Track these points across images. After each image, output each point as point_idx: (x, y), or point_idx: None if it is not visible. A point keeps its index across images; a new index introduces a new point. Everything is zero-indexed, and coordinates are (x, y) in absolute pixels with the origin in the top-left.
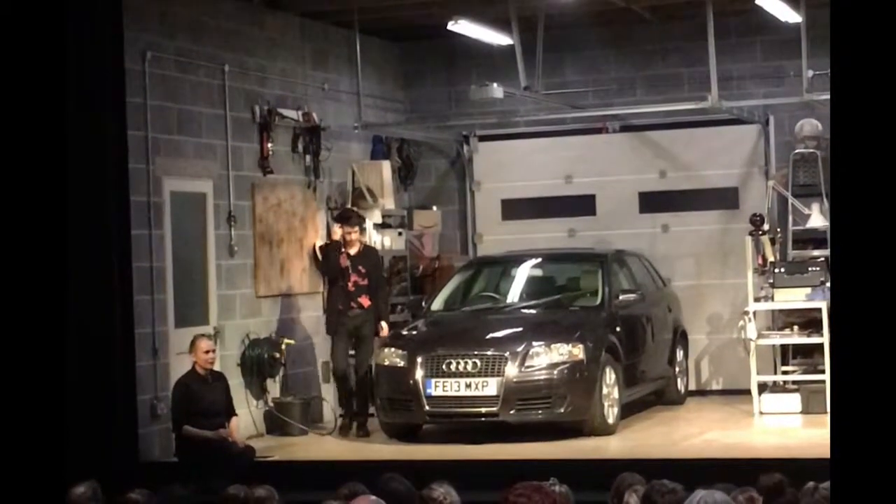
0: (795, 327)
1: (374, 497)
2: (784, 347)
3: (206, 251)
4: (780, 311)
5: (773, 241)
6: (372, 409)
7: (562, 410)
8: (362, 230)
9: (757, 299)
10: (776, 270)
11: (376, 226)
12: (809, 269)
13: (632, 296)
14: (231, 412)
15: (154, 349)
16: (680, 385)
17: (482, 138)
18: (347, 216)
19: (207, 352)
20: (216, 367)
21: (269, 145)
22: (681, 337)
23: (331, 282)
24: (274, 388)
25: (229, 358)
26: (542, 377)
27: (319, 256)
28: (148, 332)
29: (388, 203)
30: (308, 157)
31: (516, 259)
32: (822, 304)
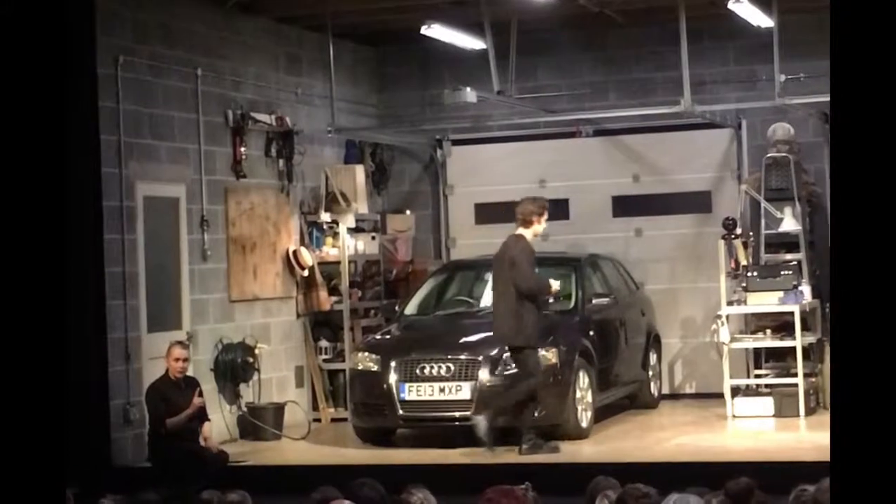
0: (768, 331)
1: (347, 501)
2: (757, 351)
3: (179, 256)
4: (753, 314)
5: (745, 245)
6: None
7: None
8: None
9: (730, 303)
10: (749, 274)
11: (350, 230)
12: (782, 272)
13: (605, 300)
14: (204, 417)
15: (127, 354)
16: (653, 389)
17: (455, 142)
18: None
19: (178, 360)
20: (189, 373)
21: (243, 149)
22: (654, 341)
23: None
24: (247, 392)
25: (202, 363)
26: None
27: (294, 262)
28: (121, 337)
29: (362, 207)
30: (281, 162)
31: (490, 263)
32: (795, 308)
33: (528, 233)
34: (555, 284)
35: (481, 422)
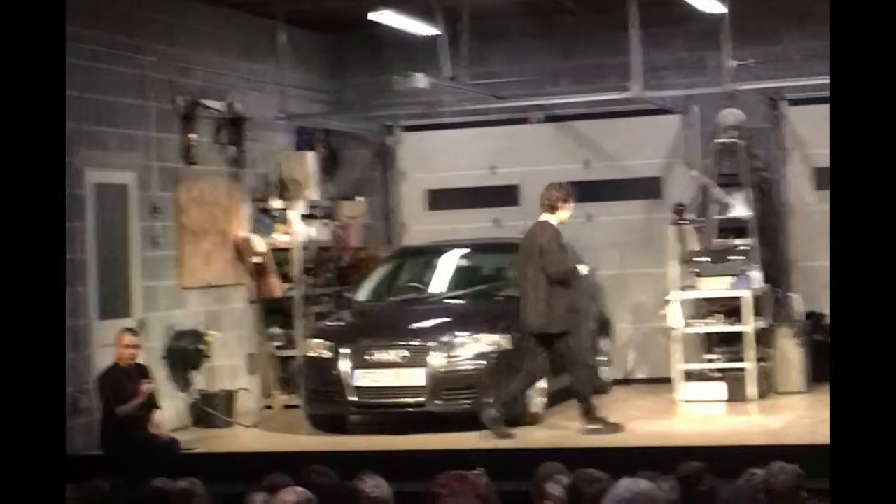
0: (720, 316)
1: (299, 488)
2: (708, 336)
3: (130, 243)
4: (705, 299)
5: (696, 231)
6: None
7: (488, 400)
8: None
9: (681, 288)
10: (700, 259)
11: (301, 217)
12: (733, 258)
13: None
14: (154, 405)
15: (77, 342)
16: (605, 374)
17: (407, 128)
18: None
19: (128, 346)
20: (140, 360)
21: (193, 136)
22: (605, 326)
23: None
24: (199, 380)
25: (154, 350)
26: (469, 367)
27: (245, 249)
28: (71, 325)
29: (313, 194)
30: (232, 148)
31: (441, 249)
32: (746, 293)
33: (553, 219)
34: (582, 270)
35: (490, 411)
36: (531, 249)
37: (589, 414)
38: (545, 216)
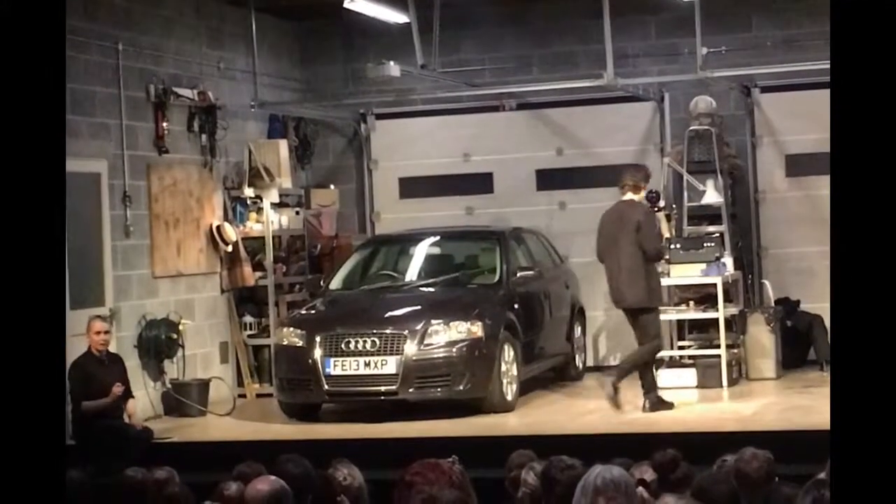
0: (691, 303)
1: (272, 477)
2: (680, 323)
3: (102, 232)
4: (677, 286)
5: (668, 218)
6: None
7: (461, 388)
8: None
9: None
10: (672, 246)
11: (273, 205)
12: (705, 244)
13: (529, 273)
14: (128, 394)
15: None
16: (578, 361)
17: (379, 116)
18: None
19: (99, 332)
20: (112, 349)
21: (165, 125)
22: (578, 313)
23: None
24: (171, 369)
25: (126, 339)
26: (441, 355)
27: (218, 238)
28: None
29: (286, 182)
30: (204, 137)
31: (414, 237)
32: (718, 280)
33: (637, 198)
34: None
35: (609, 384)
36: (625, 227)
37: (653, 390)
38: (630, 195)
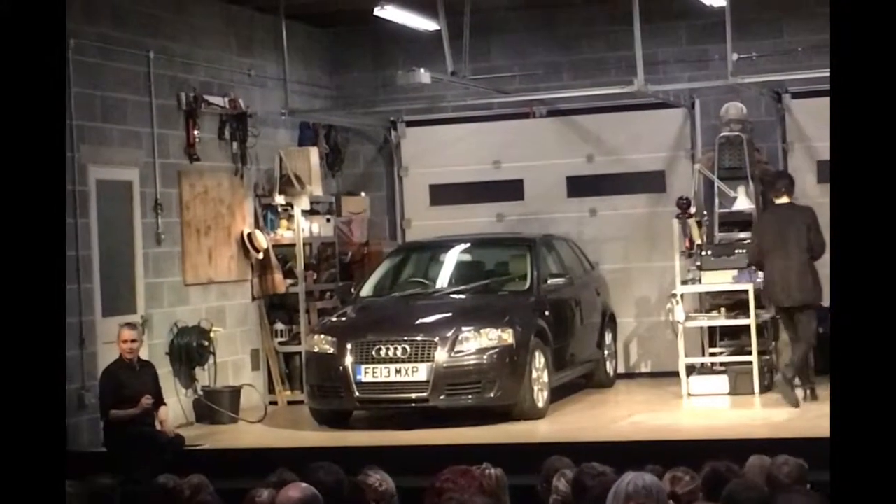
0: (723, 309)
1: (304, 484)
2: (711, 329)
3: (133, 239)
4: (708, 293)
5: (699, 224)
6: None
7: (491, 395)
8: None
9: (685, 282)
10: (703, 253)
11: (304, 212)
12: (736, 251)
13: (560, 280)
14: (160, 401)
15: (81, 338)
16: (609, 368)
17: (410, 124)
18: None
19: (126, 341)
20: (144, 356)
21: (196, 132)
22: (609, 320)
23: None
24: (203, 376)
25: (158, 346)
26: (472, 362)
27: (249, 245)
28: (75, 322)
29: (316, 189)
30: (235, 144)
31: (445, 244)
32: (749, 287)
33: (790, 200)
34: None
35: (781, 382)
36: (796, 228)
37: (812, 381)
38: (785, 199)
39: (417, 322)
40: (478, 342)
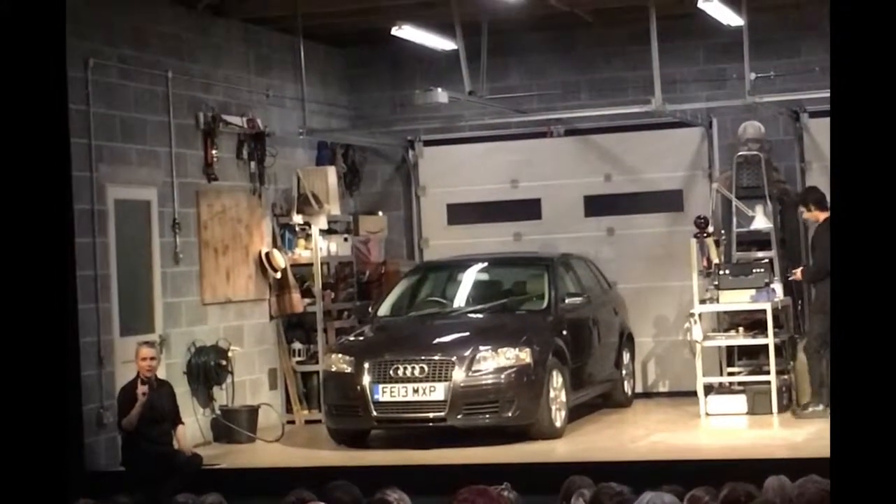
0: (740, 329)
1: (322, 503)
2: (729, 349)
3: (151, 259)
4: (726, 312)
5: (717, 243)
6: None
7: (509, 414)
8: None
9: (702, 301)
10: (721, 272)
11: (322, 232)
12: (754, 270)
13: (578, 299)
14: (177, 420)
15: (99, 358)
16: (626, 387)
17: (427, 143)
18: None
19: (145, 359)
20: (161, 376)
21: (214, 152)
22: (627, 339)
23: None
24: (220, 395)
25: (175, 366)
26: (490, 381)
27: (266, 264)
28: (93, 341)
29: (334, 209)
30: (253, 164)
31: (462, 264)
32: (767, 306)
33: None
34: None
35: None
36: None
37: None
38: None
39: (435, 341)
40: (495, 361)
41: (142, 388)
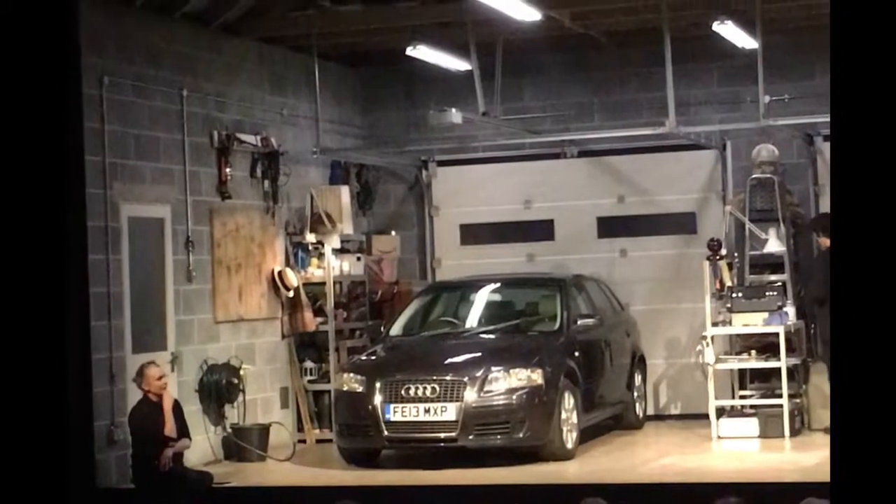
0: (753, 352)
1: None
2: (742, 372)
3: (164, 276)
4: (738, 335)
5: (730, 266)
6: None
7: (520, 435)
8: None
9: (715, 324)
10: (734, 295)
11: (335, 251)
12: (767, 293)
13: (590, 320)
14: (185, 436)
15: (111, 375)
16: (638, 409)
17: (441, 163)
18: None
19: (160, 378)
20: (173, 393)
21: (228, 170)
22: (639, 361)
23: None
24: (232, 413)
25: (187, 384)
26: (501, 402)
27: (279, 283)
28: (105, 358)
29: (347, 228)
30: (266, 183)
31: (475, 284)
32: (780, 329)
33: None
34: None
35: None
36: None
37: None
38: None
39: (447, 362)
40: (507, 382)
41: (168, 402)
